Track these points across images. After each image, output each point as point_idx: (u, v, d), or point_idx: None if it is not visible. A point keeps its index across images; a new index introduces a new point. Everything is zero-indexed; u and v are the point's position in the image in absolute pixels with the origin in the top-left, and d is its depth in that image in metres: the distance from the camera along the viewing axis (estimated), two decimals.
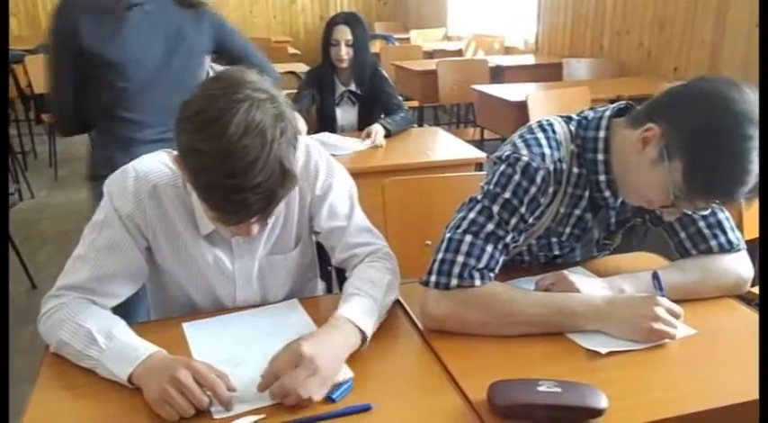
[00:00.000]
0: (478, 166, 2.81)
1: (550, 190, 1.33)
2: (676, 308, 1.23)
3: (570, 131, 1.37)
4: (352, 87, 3.28)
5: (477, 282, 1.26)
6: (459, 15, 8.09)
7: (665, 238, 1.48)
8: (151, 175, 1.31)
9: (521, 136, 1.37)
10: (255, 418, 1.03)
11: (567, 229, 1.45)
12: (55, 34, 1.89)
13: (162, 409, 1.03)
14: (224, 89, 1.07)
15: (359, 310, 1.23)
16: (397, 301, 1.40)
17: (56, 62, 1.92)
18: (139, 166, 1.32)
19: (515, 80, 4.90)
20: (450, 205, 1.42)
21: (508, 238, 1.30)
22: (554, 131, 1.36)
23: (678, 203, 1.23)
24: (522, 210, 1.30)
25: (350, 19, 3.18)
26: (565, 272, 1.35)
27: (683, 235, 1.43)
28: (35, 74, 4.97)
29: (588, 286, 1.31)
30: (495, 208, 1.30)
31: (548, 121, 1.39)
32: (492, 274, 1.29)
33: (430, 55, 6.47)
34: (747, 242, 1.45)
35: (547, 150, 1.32)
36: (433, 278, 1.28)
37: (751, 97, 1.14)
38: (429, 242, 1.88)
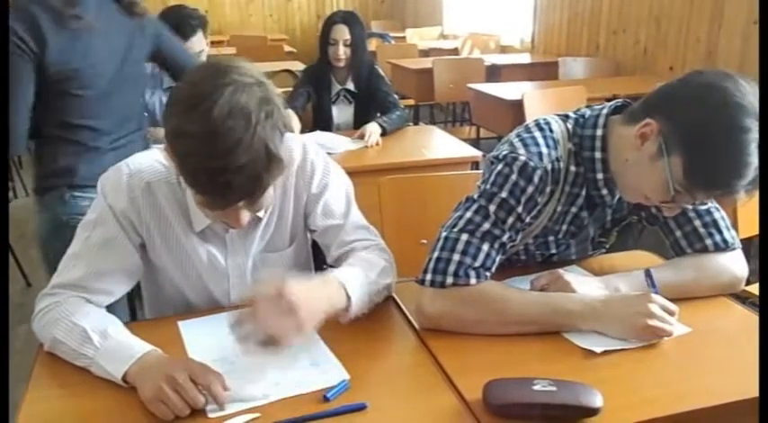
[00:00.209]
0: (474, 164, 2.82)
1: (548, 189, 1.33)
2: (671, 305, 1.23)
3: (567, 130, 1.37)
4: (349, 86, 3.28)
5: (473, 280, 1.26)
6: (455, 14, 8.09)
7: (660, 237, 1.48)
8: (144, 172, 1.30)
9: (518, 135, 1.37)
10: (250, 417, 1.03)
11: (564, 227, 1.45)
12: (18, 50, 1.73)
13: (157, 408, 1.02)
14: (211, 74, 1.09)
15: (350, 276, 1.24)
16: (393, 300, 1.40)
17: (15, 79, 1.76)
18: (133, 163, 1.32)
19: (511, 79, 4.91)
20: (446, 204, 1.42)
21: (505, 238, 1.30)
22: (551, 130, 1.36)
23: (678, 198, 1.23)
24: (519, 209, 1.30)
25: (348, 18, 3.17)
26: (560, 271, 1.35)
27: (678, 234, 1.43)
28: None
29: (583, 285, 1.31)
30: (492, 207, 1.29)
31: (545, 119, 1.39)
32: (488, 273, 1.29)
33: (426, 53, 6.47)
34: (741, 240, 1.45)
35: (544, 149, 1.32)
36: (429, 276, 1.28)
37: (748, 89, 1.14)
38: (425, 241, 1.88)
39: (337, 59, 3.17)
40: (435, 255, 1.29)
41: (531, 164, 1.30)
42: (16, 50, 1.72)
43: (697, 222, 1.40)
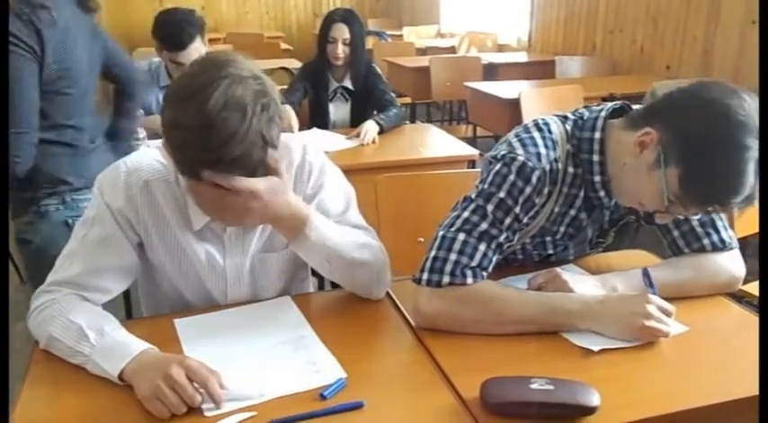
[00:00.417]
0: (471, 163, 2.81)
1: (546, 190, 1.33)
2: (668, 306, 1.23)
3: (566, 131, 1.37)
4: (346, 84, 3.27)
5: (470, 280, 1.26)
6: (452, 12, 8.08)
7: (658, 236, 1.49)
8: (142, 170, 1.30)
9: (516, 135, 1.37)
10: (246, 415, 1.03)
11: (562, 229, 1.45)
12: (19, 50, 1.66)
13: (154, 406, 1.02)
14: (208, 67, 1.10)
15: (326, 221, 1.30)
16: (389, 298, 1.40)
17: (21, 82, 1.67)
18: (131, 161, 1.31)
19: (508, 77, 4.90)
20: (443, 202, 1.41)
21: (502, 238, 1.30)
22: (550, 131, 1.36)
23: (671, 208, 1.23)
24: (517, 209, 1.30)
25: (348, 17, 3.16)
26: (557, 270, 1.35)
27: (675, 233, 1.43)
28: None
29: (581, 285, 1.31)
30: (490, 207, 1.29)
31: (543, 120, 1.39)
32: (485, 273, 1.29)
33: (423, 52, 6.46)
34: (738, 240, 1.45)
35: (543, 150, 1.32)
36: (426, 276, 1.27)
37: (751, 105, 1.14)
38: (422, 239, 1.88)
39: (336, 58, 3.16)
40: (432, 254, 1.29)
41: (530, 164, 1.29)
42: (18, 51, 1.65)
43: (695, 222, 1.40)
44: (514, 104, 3.70)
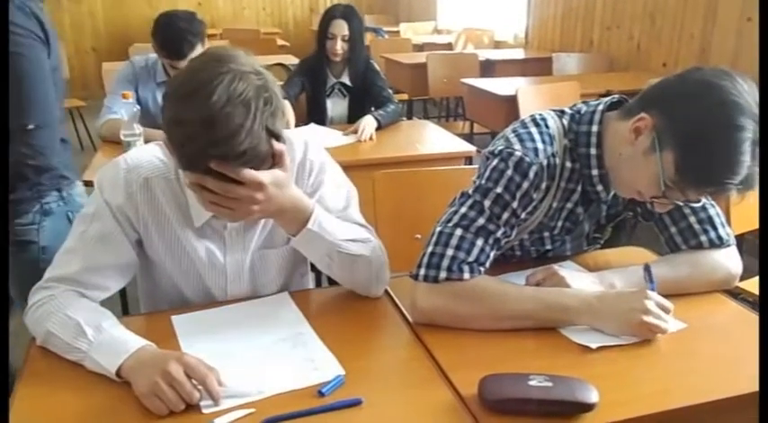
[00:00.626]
0: (468, 159, 2.81)
1: (543, 185, 1.33)
2: (666, 302, 1.22)
3: (563, 126, 1.37)
4: (344, 79, 3.27)
5: (467, 275, 1.26)
6: (449, 9, 8.07)
7: (655, 233, 1.49)
8: (143, 167, 1.29)
9: (514, 131, 1.37)
10: (245, 412, 1.02)
11: (559, 223, 1.45)
12: (33, 40, 1.62)
13: (152, 402, 1.02)
14: (208, 63, 1.08)
15: (328, 216, 1.30)
16: (387, 295, 1.40)
17: (40, 70, 1.65)
18: (131, 158, 1.31)
19: (505, 74, 4.90)
20: (440, 199, 1.41)
21: (499, 233, 1.30)
22: (547, 126, 1.36)
23: (669, 194, 1.23)
24: (514, 205, 1.30)
25: (347, 13, 3.16)
26: (555, 266, 1.35)
27: (673, 230, 1.43)
28: None
29: (579, 281, 1.31)
30: (487, 203, 1.29)
31: (541, 115, 1.39)
32: (482, 269, 1.28)
33: (420, 48, 6.45)
34: (735, 237, 1.45)
35: (540, 145, 1.32)
36: (423, 271, 1.27)
37: (745, 88, 1.14)
38: (419, 236, 1.88)
39: (335, 54, 3.16)
40: (429, 249, 1.29)
41: (527, 159, 1.29)
42: (32, 42, 1.62)
43: (692, 218, 1.40)
44: (511, 101, 3.70)
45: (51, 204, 1.79)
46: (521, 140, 1.32)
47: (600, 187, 1.36)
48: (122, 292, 2.19)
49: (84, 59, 8.15)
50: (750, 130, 1.12)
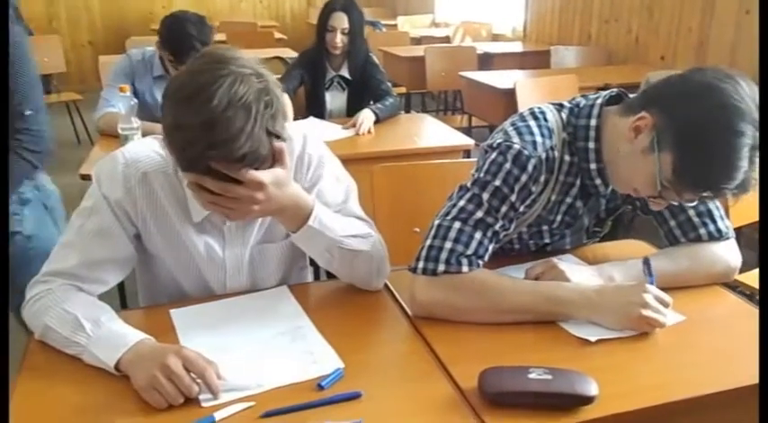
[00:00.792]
0: (466, 153, 2.81)
1: (542, 178, 1.33)
2: (665, 296, 1.22)
3: (562, 119, 1.37)
4: (343, 72, 3.26)
5: (465, 268, 1.26)
6: (447, 2, 8.04)
7: (652, 226, 1.49)
8: (141, 162, 1.29)
9: (512, 124, 1.36)
10: (244, 405, 1.02)
11: (558, 217, 1.45)
12: (20, 26, 1.65)
13: (150, 396, 1.02)
14: (208, 65, 1.07)
15: (328, 212, 1.29)
16: (386, 289, 1.40)
17: (27, 57, 1.65)
18: (129, 153, 1.30)
19: (503, 67, 4.89)
20: (438, 192, 1.41)
21: (497, 226, 1.30)
22: (546, 119, 1.35)
23: (665, 194, 1.23)
24: (513, 198, 1.29)
25: (347, 6, 3.14)
26: (554, 260, 1.35)
27: (672, 223, 1.43)
28: None
29: (578, 274, 1.31)
30: (485, 196, 1.29)
31: (539, 108, 1.38)
32: (480, 262, 1.28)
33: (417, 41, 6.44)
34: (734, 229, 1.45)
35: (539, 138, 1.31)
36: (421, 264, 1.27)
37: (747, 92, 1.14)
38: (418, 229, 1.88)
39: (334, 47, 3.15)
40: (428, 243, 1.29)
41: (526, 152, 1.29)
42: (19, 29, 1.61)
43: (691, 211, 1.40)
44: (510, 94, 3.70)
45: (27, 194, 1.79)
46: (519, 134, 1.32)
47: (598, 181, 1.36)
48: (121, 286, 2.19)
49: (81, 53, 8.11)
50: (749, 136, 1.12)
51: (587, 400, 1.02)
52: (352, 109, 3.18)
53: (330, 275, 1.45)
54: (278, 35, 6.95)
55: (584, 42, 5.35)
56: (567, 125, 1.36)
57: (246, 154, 1.05)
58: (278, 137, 1.11)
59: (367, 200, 1.76)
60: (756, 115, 1.13)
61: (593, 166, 1.35)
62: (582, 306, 1.23)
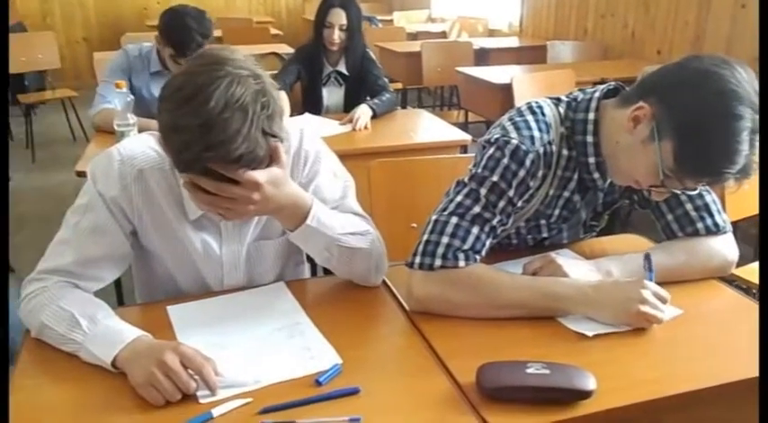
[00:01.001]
0: (463, 148, 2.81)
1: (540, 173, 1.33)
2: (663, 292, 1.22)
3: (560, 114, 1.36)
4: (340, 68, 3.25)
5: (462, 263, 1.25)
6: None
7: (649, 220, 1.49)
8: (137, 158, 1.28)
9: (510, 118, 1.36)
10: (242, 402, 1.02)
11: (556, 211, 1.44)
12: None
13: (148, 393, 1.02)
14: (205, 66, 1.06)
15: (326, 210, 1.28)
16: (384, 284, 1.39)
17: None
18: (124, 149, 1.29)
19: (500, 62, 4.89)
20: (435, 187, 1.41)
21: (495, 221, 1.30)
22: (543, 114, 1.35)
23: (667, 183, 1.23)
24: (511, 193, 1.29)
25: (346, 2, 3.13)
26: (552, 254, 1.35)
27: (669, 217, 1.43)
28: (11, 53, 4.87)
29: (575, 269, 1.31)
30: (483, 191, 1.29)
31: (537, 103, 1.38)
32: (478, 257, 1.28)
33: (414, 37, 6.43)
34: (731, 224, 1.45)
35: (536, 133, 1.31)
36: (418, 259, 1.27)
37: (744, 76, 1.14)
38: (415, 225, 1.87)
39: (332, 43, 3.14)
40: (425, 238, 1.28)
41: (523, 147, 1.29)
42: None
43: (688, 206, 1.40)
44: (506, 89, 3.70)
45: None
46: (517, 128, 1.32)
47: (597, 175, 1.36)
48: (117, 283, 2.19)
49: (76, 50, 8.08)
50: (748, 119, 1.12)
51: (585, 394, 1.02)
52: (349, 104, 3.17)
53: (327, 271, 1.45)
54: (274, 31, 6.94)
55: (581, 37, 5.35)
56: (565, 119, 1.36)
57: (243, 155, 1.05)
58: (275, 137, 1.10)
59: (364, 195, 1.76)
60: (755, 99, 1.13)
61: (591, 159, 1.34)
62: (579, 302, 1.23)
